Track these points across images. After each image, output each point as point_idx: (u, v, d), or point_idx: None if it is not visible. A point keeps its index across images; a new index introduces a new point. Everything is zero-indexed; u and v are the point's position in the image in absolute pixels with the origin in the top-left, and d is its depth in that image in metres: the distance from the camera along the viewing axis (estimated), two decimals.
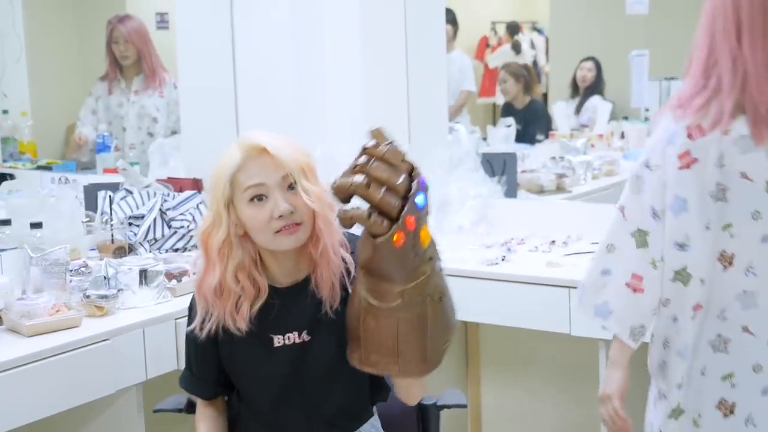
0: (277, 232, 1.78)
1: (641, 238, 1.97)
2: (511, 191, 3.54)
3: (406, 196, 1.52)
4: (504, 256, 3.03)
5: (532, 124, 4.83)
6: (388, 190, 1.50)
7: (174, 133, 4.08)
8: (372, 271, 1.60)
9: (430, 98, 3.58)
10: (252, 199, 1.79)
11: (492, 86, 6.07)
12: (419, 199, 1.52)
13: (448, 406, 2.20)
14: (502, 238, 3.25)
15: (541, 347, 3.37)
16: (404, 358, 1.67)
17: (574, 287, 2.64)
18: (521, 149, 4.18)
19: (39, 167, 4.15)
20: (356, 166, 1.52)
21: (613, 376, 2.02)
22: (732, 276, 1.92)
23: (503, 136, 4.20)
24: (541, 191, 3.81)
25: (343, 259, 1.84)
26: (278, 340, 1.86)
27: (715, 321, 1.94)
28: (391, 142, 1.53)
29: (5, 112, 4.39)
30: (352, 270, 1.83)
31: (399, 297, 1.59)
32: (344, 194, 1.52)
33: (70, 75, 4.76)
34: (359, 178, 1.50)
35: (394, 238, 1.50)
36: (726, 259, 1.92)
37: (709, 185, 1.88)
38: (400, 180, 1.51)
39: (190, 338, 1.93)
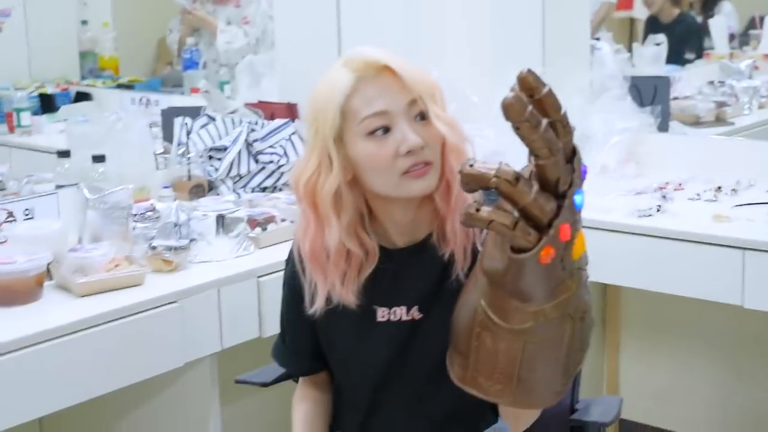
0: (405, 173, 1.48)
1: None
2: (663, 124, 3.05)
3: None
4: (659, 206, 2.57)
5: (682, 41, 4.30)
6: (542, 186, 1.17)
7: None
8: (501, 285, 1.28)
9: (569, 8, 3.07)
10: (372, 132, 1.48)
11: None
12: (578, 198, 1.19)
13: (607, 424, 1.82)
14: (655, 181, 2.79)
15: (697, 316, 2.95)
16: (523, 388, 1.36)
17: (750, 248, 2.29)
18: (671, 71, 3.68)
19: (119, 86, 3.95)
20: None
21: None
22: None
23: (653, 55, 3.65)
24: (696, 122, 3.31)
25: None
26: (382, 314, 1.58)
27: None
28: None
29: (84, 22, 4.14)
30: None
31: (532, 319, 1.28)
32: (478, 186, 1.17)
33: None
34: (507, 170, 1.15)
35: (542, 254, 1.19)
36: None
37: None
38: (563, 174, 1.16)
39: (285, 302, 1.69)
